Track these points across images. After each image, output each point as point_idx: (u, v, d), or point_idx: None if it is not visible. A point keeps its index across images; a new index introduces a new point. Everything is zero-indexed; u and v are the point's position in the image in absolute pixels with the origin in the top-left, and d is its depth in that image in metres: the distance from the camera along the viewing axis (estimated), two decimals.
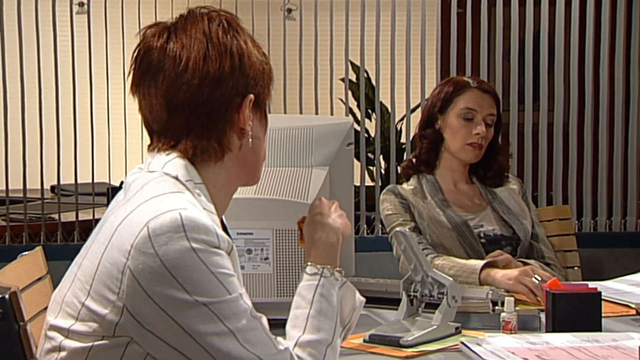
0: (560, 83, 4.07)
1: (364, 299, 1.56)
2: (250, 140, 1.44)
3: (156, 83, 1.42)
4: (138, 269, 1.30)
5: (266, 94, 1.48)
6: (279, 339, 1.39)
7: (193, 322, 1.30)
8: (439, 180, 2.72)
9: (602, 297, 2.00)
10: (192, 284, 1.30)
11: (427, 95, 4.03)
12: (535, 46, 4.05)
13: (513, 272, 2.34)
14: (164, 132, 1.43)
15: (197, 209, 1.35)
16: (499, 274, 2.37)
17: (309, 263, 1.51)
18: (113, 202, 1.45)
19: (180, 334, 1.30)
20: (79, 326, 1.35)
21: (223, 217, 1.51)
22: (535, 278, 2.28)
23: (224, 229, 1.50)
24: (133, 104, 1.48)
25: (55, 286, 1.46)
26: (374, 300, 2.20)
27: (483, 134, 2.65)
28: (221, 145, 1.43)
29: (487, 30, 4.02)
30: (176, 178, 1.40)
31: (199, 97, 1.40)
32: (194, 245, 1.30)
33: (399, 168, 4.28)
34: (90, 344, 1.34)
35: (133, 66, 1.45)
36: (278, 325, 1.48)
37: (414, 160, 2.75)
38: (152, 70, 1.42)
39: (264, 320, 1.38)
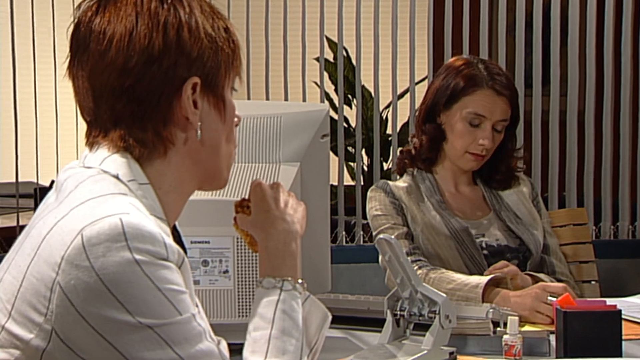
0: (574, 63, 4.09)
1: (331, 316, 1.58)
2: (199, 132, 1.43)
3: (82, 64, 1.43)
4: (70, 285, 1.30)
5: (223, 76, 1.47)
6: None
7: (136, 348, 1.30)
8: (437, 180, 2.74)
9: (623, 316, 2.03)
10: (135, 303, 1.30)
11: (417, 78, 4.07)
12: (545, 20, 4.07)
13: (526, 300, 2.34)
14: (93, 122, 1.44)
15: (142, 214, 1.36)
16: (510, 299, 2.37)
17: (266, 276, 1.52)
18: (42, 205, 1.45)
19: None
20: None
21: (176, 223, 1.52)
22: (552, 296, 2.29)
23: (177, 238, 1.51)
24: (65, 88, 1.49)
25: None
26: (354, 320, 2.22)
27: (488, 146, 2.67)
28: (160, 138, 1.42)
29: (488, 0, 4.04)
30: (117, 177, 1.40)
31: (124, 81, 1.40)
32: (137, 256, 1.30)
33: (384, 164, 4.31)
34: None
35: (69, 45, 1.46)
36: (240, 351, 1.49)
37: (412, 151, 2.77)
38: (80, 50, 1.43)
39: (223, 344, 1.39)
